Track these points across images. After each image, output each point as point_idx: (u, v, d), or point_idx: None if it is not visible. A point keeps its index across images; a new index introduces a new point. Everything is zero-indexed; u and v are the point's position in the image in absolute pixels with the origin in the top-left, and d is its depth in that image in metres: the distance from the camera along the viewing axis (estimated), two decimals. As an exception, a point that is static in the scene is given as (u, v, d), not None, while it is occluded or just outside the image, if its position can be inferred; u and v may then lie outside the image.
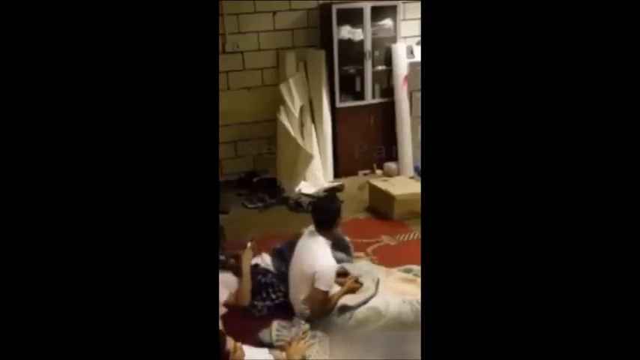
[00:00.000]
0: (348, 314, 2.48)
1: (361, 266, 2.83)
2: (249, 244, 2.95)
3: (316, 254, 2.54)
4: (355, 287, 2.63)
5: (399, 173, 4.72)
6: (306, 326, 2.39)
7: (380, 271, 2.83)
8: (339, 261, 2.86)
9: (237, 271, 2.84)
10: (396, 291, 2.63)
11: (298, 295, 2.58)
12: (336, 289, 2.63)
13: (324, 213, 2.64)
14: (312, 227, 2.67)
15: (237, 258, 2.87)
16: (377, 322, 2.42)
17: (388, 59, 4.81)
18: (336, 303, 2.54)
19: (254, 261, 2.99)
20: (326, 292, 2.50)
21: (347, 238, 3.23)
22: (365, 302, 2.53)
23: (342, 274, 2.76)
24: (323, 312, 2.51)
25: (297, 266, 2.64)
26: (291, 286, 2.67)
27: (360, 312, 2.47)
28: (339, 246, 3.02)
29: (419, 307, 2.41)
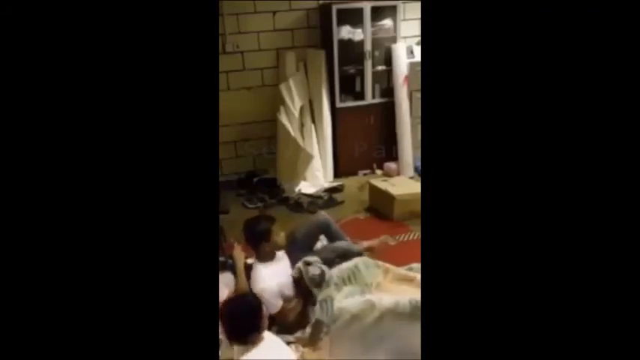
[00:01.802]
0: (329, 305, 2.47)
1: (358, 263, 2.82)
2: (235, 244, 2.95)
3: (255, 281, 2.56)
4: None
5: (399, 173, 4.72)
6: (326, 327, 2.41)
7: (379, 268, 2.82)
8: (340, 252, 2.85)
9: (235, 272, 2.84)
10: (393, 292, 2.63)
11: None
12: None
13: (248, 234, 2.65)
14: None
15: (232, 258, 2.88)
16: (371, 314, 2.40)
17: (388, 59, 4.81)
18: (297, 313, 2.55)
19: (250, 261, 2.99)
20: (278, 312, 2.52)
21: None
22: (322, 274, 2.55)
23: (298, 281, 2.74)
24: (287, 325, 2.52)
25: None
26: None
27: (353, 306, 2.46)
28: (328, 235, 3.02)
29: (418, 300, 2.41)
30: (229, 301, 2.00)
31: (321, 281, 2.56)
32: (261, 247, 2.63)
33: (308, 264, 2.65)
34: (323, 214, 3.20)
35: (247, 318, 1.86)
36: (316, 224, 3.05)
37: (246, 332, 1.85)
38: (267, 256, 2.66)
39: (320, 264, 2.64)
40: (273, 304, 2.50)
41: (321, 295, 2.52)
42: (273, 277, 2.58)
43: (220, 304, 1.95)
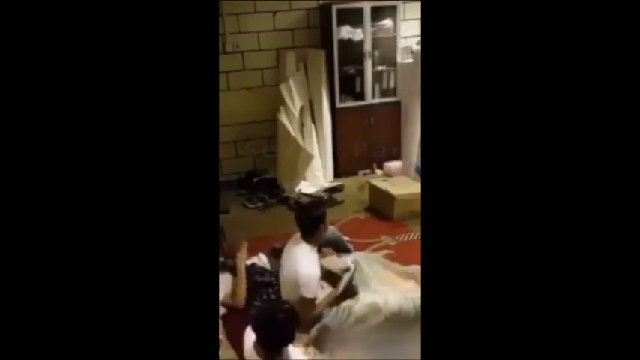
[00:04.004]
0: (345, 314, 2.47)
1: (357, 257, 2.82)
2: (244, 243, 2.94)
3: (298, 261, 2.51)
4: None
5: (404, 173, 4.69)
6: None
7: (378, 263, 2.83)
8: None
9: (235, 272, 2.83)
10: (395, 287, 2.63)
11: (288, 299, 2.58)
12: (326, 291, 2.63)
13: (306, 219, 2.62)
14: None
15: (234, 258, 2.87)
16: (375, 317, 2.40)
17: (388, 59, 4.82)
18: (322, 310, 2.53)
19: (250, 260, 2.99)
20: (311, 300, 2.48)
21: (345, 238, 3.23)
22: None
23: (332, 273, 2.75)
24: (309, 319, 2.48)
25: (283, 272, 2.64)
26: (282, 290, 2.67)
27: (358, 309, 2.46)
28: (337, 248, 3.02)
29: (419, 303, 2.40)
30: (270, 309, 1.95)
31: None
32: (318, 231, 2.59)
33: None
34: (332, 230, 3.18)
35: (287, 328, 1.81)
36: (325, 239, 3.03)
37: (284, 343, 1.81)
38: (316, 242, 2.63)
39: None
40: (311, 290, 2.47)
41: (343, 302, 2.52)
42: (317, 264, 2.57)
43: (256, 313, 1.91)
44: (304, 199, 4.30)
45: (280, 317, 1.79)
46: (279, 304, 2.00)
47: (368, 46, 4.65)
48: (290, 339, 1.82)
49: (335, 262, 2.85)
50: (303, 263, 2.50)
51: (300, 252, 2.56)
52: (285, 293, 2.60)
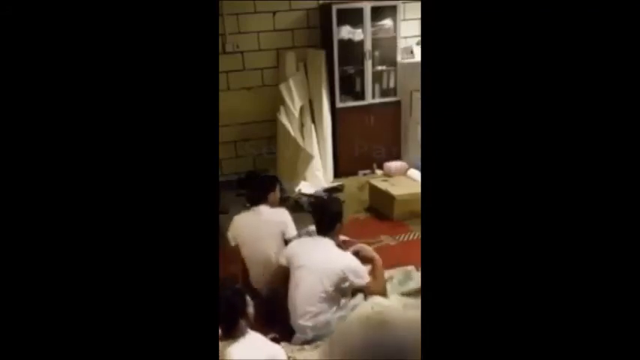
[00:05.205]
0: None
1: None
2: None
3: (332, 254, 2.45)
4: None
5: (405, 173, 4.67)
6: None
7: None
8: None
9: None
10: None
11: (311, 300, 2.43)
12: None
13: (325, 214, 2.56)
14: (308, 229, 2.65)
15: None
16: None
17: (388, 59, 4.82)
18: (384, 288, 2.51)
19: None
20: (367, 287, 2.44)
21: (344, 238, 3.21)
22: None
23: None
24: (382, 287, 2.49)
25: (309, 264, 2.45)
26: (298, 300, 2.46)
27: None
28: None
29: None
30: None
31: None
32: (334, 230, 2.55)
33: None
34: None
35: (233, 302, 1.90)
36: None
37: (234, 317, 1.91)
38: (333, 238, 2.56)
39: None
40: (365, 276, 2.45)
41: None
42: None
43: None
44: (304, 199, 4.30)
45: (227, 294, 1.90)
46: (230, 284, 2.09)
47: (368, 46, 4.66)
48: (239, 314, 1.92)
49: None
50: (339, 255, 2.44)
51: (328, 246, 2.48)
52: (305, 300, 2.44)
